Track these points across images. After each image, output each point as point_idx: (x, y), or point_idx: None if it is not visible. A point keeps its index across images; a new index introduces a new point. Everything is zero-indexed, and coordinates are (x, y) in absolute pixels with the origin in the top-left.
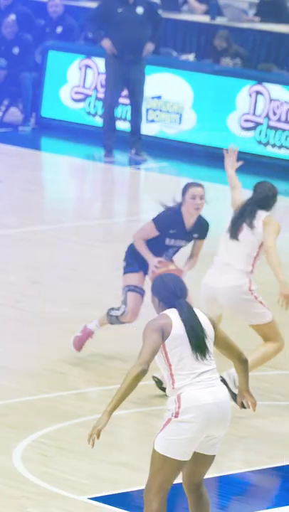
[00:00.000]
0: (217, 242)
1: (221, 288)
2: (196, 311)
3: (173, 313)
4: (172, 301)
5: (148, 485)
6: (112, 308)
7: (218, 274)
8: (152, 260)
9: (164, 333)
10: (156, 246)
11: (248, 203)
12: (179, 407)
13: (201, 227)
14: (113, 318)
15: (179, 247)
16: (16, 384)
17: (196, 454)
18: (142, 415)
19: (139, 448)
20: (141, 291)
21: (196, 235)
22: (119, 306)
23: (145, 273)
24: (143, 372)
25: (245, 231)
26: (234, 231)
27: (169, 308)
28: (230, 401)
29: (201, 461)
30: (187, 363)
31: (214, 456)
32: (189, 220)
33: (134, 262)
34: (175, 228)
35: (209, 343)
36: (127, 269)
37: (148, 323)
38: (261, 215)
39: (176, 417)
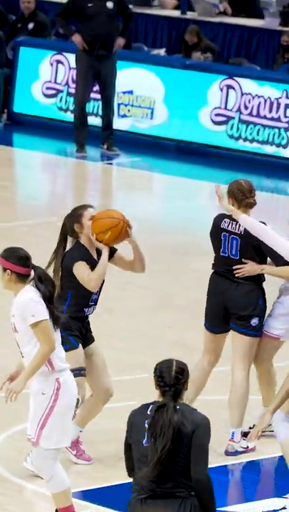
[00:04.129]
0: (197, 237)
1: None
2: None
3: None
4: None
5: None
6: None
7: None
8: None
9: None
10: (84, 292)
11: None
12: None
13: None
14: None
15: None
16: None
17: None
18: (125, 411)
19: (117, 445)
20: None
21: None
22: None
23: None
24: None
25: None
26: None
27: None
28: None
29: None
30: None
31: None
32: (93, 246)
33: (67, 334)
34: (89, 263)
35: None
36: (64, 347)
37: None
38: None
39: None
